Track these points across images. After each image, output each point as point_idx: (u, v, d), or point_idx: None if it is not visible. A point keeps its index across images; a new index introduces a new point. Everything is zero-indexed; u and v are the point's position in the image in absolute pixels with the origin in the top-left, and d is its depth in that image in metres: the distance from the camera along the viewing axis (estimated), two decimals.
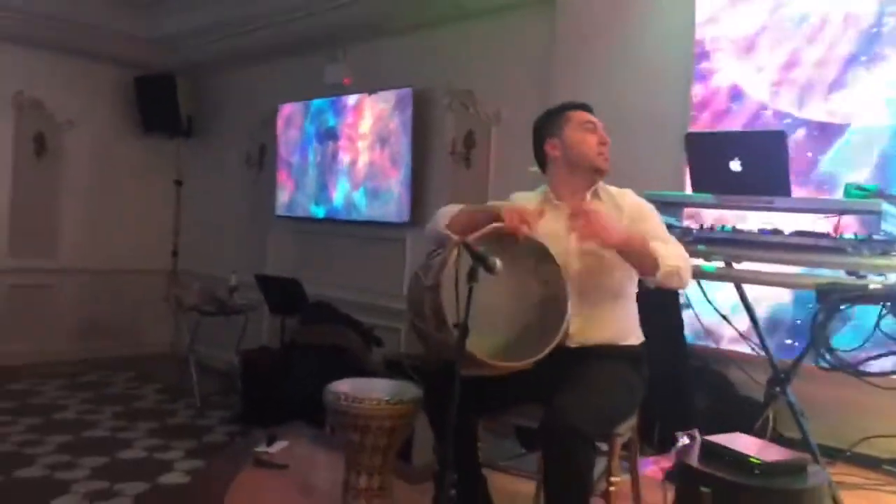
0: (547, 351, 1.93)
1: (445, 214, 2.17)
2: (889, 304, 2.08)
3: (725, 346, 3.32)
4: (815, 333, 2.26)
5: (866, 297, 2.16)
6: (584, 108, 2.29)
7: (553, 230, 2.13)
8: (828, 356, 2.30)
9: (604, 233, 1.95)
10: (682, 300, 2.71)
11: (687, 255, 2.10)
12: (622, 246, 1.99)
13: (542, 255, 2.03)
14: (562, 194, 2.24)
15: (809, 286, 2.24)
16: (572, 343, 2.08)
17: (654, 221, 2.19)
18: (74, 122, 6.74)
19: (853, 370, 2.37)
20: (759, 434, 2.59)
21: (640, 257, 2.01)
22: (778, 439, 2.74)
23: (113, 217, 7.06)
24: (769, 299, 3.32)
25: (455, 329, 1.74)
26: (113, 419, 5.11)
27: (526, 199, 2.28)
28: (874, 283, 2.14)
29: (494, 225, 1.96)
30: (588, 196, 2.22)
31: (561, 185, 2.25)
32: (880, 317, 2.23)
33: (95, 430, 4.85)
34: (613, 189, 2.27)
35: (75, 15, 6.22)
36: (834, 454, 3.07)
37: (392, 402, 2.08)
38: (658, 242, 2.04)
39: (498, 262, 1.74)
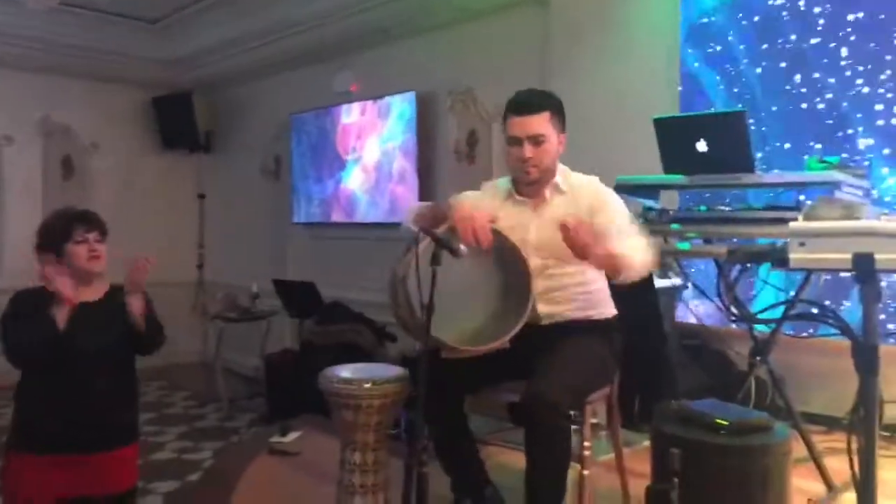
0: (514, 331, 2.04)
1: (412, 210, 2.29)
2: (774, 260, 2.24)
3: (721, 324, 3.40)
4: (721, 290, 2.56)
5: (757, 255, 2.46)
6: (519, 110, 2.19)
7: (516, 223, 2.21)
8: (733, 309, 2.44)
9: (583, 249, 1.97)
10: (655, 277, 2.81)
11: (647, 246, 2.12)
12: (593, 262, 2.03)
13: (500, 239, 2.11)
14: (521, 190, 2.30)
15: (723, 253, 2.45)
16: (544, 321, 2.20)
17: (614, 212, 2.18)
18: (98, 144, 7.02)
19: (754, 319, 2.62)
20: (744, 402, 2.68)
21: (606, 266, 2.08)
22: (776, 409, 2.82)
23: (140, 233, 7.26)
24: None
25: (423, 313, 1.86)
26: (146, 424, 5.32)
27: (493, 190, 2.37)
28: (766, 245, 2.41)
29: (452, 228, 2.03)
30: (547, 193, 2.25)
31: (519, 182, 2.30)
32: (768, 272, 2.38)
33: None
34: (576, 179, 2.27)
35: (95, 42, 6.47)
36: (830, 423, 3.15)
37: (378, 382, 2.23)
38: (619, 240, 2.05)
39: (463, 247, 1.86)
